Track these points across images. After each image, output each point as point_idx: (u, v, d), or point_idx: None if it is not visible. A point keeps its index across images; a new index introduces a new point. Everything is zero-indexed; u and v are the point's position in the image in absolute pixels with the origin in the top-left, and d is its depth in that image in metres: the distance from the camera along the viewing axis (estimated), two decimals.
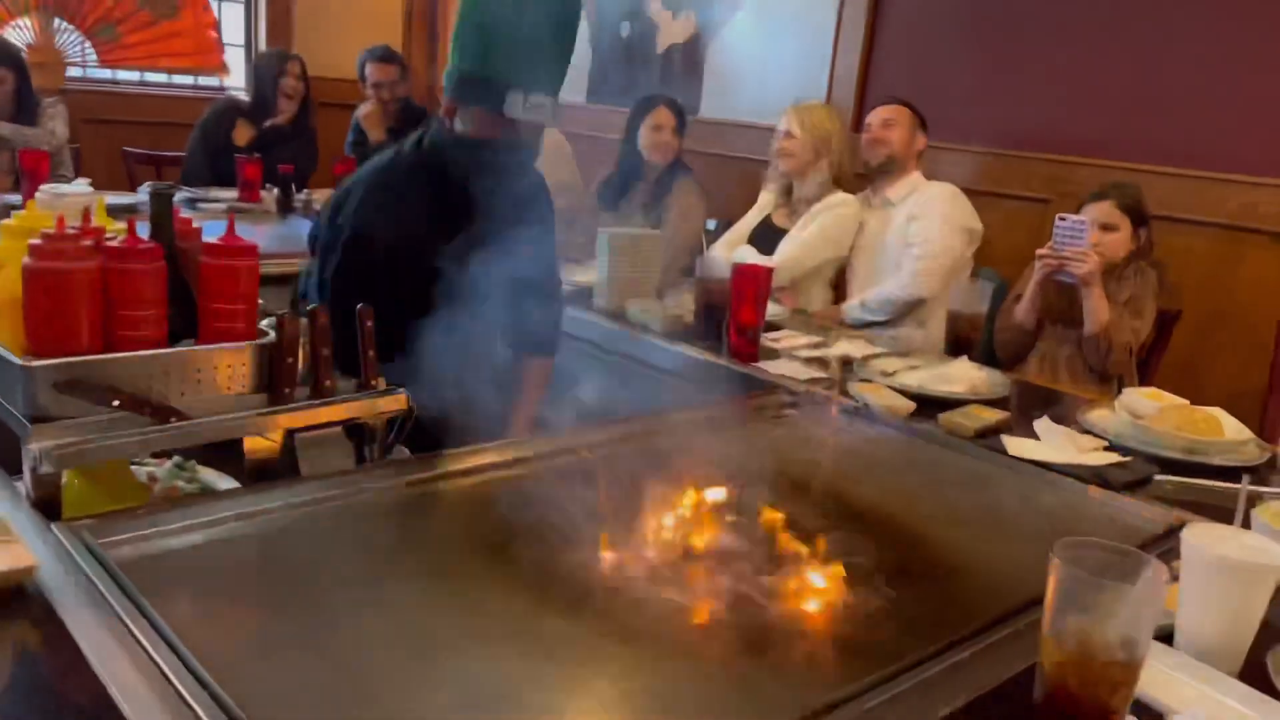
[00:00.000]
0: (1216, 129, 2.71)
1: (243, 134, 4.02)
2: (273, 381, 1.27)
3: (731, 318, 2.09)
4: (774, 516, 1.25)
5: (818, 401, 1.83)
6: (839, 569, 1.13)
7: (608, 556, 1.12)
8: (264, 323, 1.33)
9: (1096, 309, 2.38)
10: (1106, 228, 2.47)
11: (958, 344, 2.25)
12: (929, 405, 1.80)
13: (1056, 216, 2.34)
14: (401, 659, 0.91)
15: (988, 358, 2.62)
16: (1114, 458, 1.59)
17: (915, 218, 2.84)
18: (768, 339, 2.22)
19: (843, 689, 0.88)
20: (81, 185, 1.95)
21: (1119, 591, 0.79)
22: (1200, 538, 0.99)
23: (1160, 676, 0.93)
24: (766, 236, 3.00)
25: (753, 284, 2.05)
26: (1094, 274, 2.35)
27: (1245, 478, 1.04)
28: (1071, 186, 2.92)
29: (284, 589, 1.04)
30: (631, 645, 0.97)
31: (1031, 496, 1.48)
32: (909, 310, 2.81)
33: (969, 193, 2.99)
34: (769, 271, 2.11)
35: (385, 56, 4.12)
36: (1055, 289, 2.49)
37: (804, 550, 1.17)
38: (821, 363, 2.10)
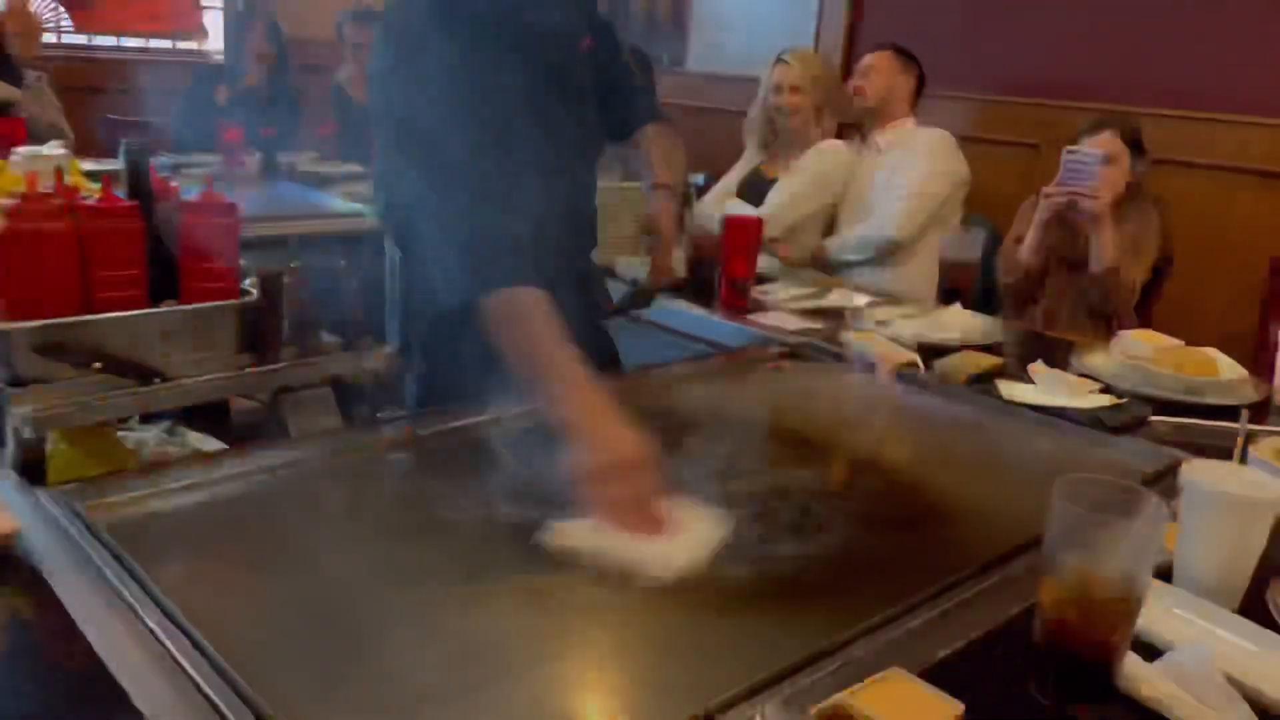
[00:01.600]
0: (1207, 70, 2.68)
1: (224, 98, 3.96)
2: (258, 341, 1.25)
3: (722, 271, 2.07)
4: (771, 464, 1.24)
5: (811, 352, 1.82)
6: (839, 514, 1.13)
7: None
8: (247, 281, 1.31)
9: (1105, 246, 2.34)
10: (1109, 160, 2.42)
11: (950, 292, 2.23)
12: (923, 352, 1.78)
13: (1065, 150, 2.28)
14: (396, 616, 0.90)
15: (981, 304, 2.60)
16: (1110, 400, 1.58)
17: (905, 162, 2.82)
18: (759, 292, 2.20)
19: (843, 632, 0.87)
20: (55, 146, 1.93)
21: (1119, 528, 0.78)
22: (1199, 474, 0.98)
23: (1159, 613, 0.93)
24: (756, 188, 2.97)
25: (743, 236, 2.03)
26: (1106, 210, 2.30)
27: (1243, 414, 1.03)
28: (1061, 131, 2.88)
29: (275, 549, 1.03)
30: (629, 593, 0.96)
31: (1027, 440, 1.47)
32: (887, 253, 2.79)
33: (959, 140, 2.96)
34: (759, 223, 2.09)
35: (364, 16, 4.05)
36: (1057, 229, 2.45)
37: (803, 496, 1.16)
38: (815, 314, 2.08)
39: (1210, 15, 2.66)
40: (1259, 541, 0.97)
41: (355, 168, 3.44)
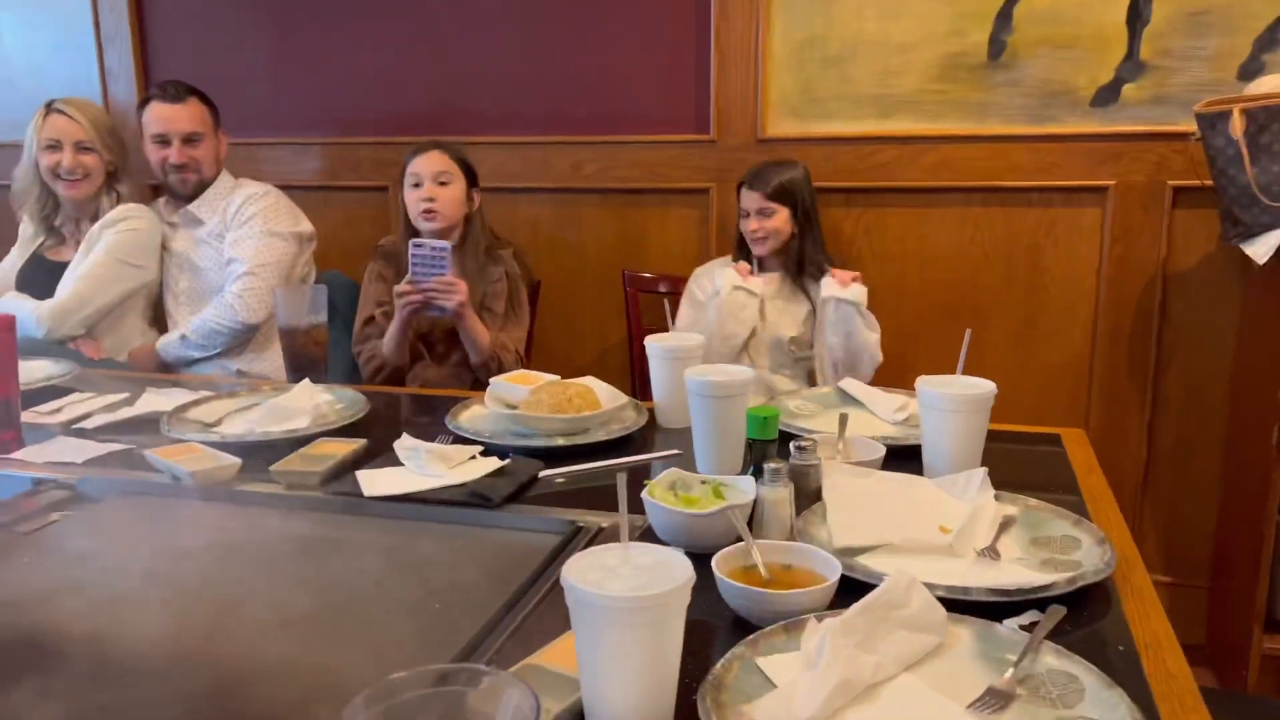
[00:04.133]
0: (535, 96, 2.64)
1: None
2: None
3: None
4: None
5: (105, 490, 1.30)
6: None
7: None
8: None
9: (477, 335, 2.08)
10: (445, 180, 2.19)
11: (301, 364, 1.82)
12: (267, 453, 1.37)
13: (411, 243, 2.00)
14: None
15: (341, 375, 2.23)
16: (493, 464, 1.32)
17: (230, 229, 2.36)
18: (38, 413, 1.61)
19: None
20: None
21: None
22: (579, 574, 0.70)
23: None
24: (44, 275, 2.31)
25: None
26: (464, 303, 2.04)
27: (620, 478, 0.79)
28: None
29: None
30: None
31: (396, 552, 1.12)
32: (245, 338, 2.34)
33: (298, 190, 2.60)
34: (10, 321, 1.50)
35: None
36: (425, 318, 2.15)
37: None
38: (126, 426, 1.56)
39: (533, 41, 2.61)
40: (673, 646, 0.72)
41: None
